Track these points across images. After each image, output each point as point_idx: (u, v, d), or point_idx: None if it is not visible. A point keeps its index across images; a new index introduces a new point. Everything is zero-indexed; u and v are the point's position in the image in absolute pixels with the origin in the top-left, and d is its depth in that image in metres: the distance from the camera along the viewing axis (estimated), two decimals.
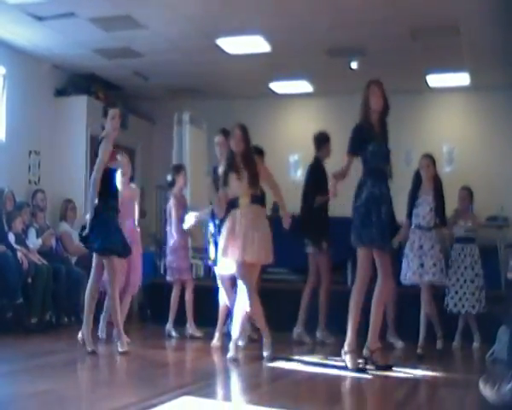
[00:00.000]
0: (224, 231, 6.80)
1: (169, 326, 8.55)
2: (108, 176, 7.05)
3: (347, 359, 6.33)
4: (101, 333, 7.95)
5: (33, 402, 4.75)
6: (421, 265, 7.60)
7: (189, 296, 8.58)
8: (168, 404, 4.75)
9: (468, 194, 8.42)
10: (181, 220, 8.41)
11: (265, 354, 6.79)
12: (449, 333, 8.19)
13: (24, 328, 8.19)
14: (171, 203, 8.58)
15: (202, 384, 5.79)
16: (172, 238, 8.57)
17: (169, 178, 8.75)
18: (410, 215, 7.75)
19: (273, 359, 6.69)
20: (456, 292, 8.08)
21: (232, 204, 6.85)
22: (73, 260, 9.84)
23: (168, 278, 8.65)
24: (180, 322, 8.58)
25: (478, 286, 8.06)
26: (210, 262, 7.90)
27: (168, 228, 8.69)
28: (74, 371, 6.14)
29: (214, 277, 7.72)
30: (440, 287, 7.97)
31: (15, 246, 8.63)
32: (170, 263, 8.60)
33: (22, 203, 9.43)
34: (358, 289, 6.38)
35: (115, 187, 7.21)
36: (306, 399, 5.42)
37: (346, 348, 6.36)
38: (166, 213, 8.80)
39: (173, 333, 8.48)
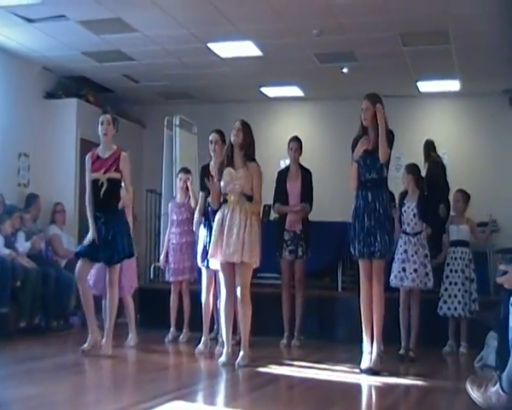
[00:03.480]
0: (214, 227, 6.77)
1: (173, 332, 8.54)
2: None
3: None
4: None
5: (21, 407, 4.73)
6: (403, 269, 7.67)
7: (186, 300, 8.58)
8: (158, 409, 4.73)
9: (461, 196, 8.44)
10: (189, 221, 8.46)
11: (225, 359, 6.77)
12: (437, 338, 8.22)
13: (8, 334, 8.11)
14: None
15: (192, 389, 5.78)
16: (175, 239, 8.58)
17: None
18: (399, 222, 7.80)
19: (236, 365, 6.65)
20: (450, 296, 8.13)
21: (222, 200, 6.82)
22: (63, 263, 9.81)
23: (171, 279, 8.61)
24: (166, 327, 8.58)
25: (467, 290, 8.09)
26: (200, 264, 7.84)
27: (174, 230, 8.66)
28: (63, 376, 6.10)
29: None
30: (432, 291, 8.00)
31: (3, 250, 8.61)
32: (172, 264, 8.59)
33: (13, 207, 9.40)
34: (361, 298, 6.57)
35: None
36: (297, 404, 5.42)
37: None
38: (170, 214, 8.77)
39: (181, 338, 8.49)
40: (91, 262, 7.18)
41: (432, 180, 9.14)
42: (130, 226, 7.56)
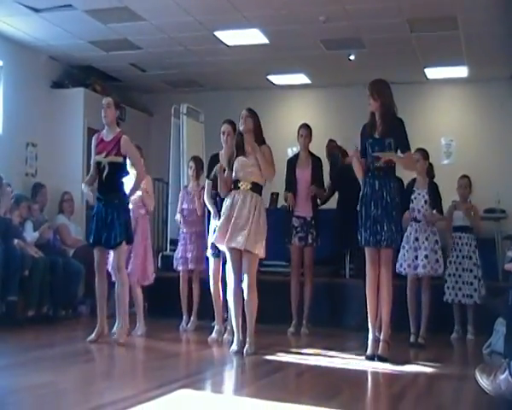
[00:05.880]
0: (223, 212, 6.75)
1: (186, 319, 8.57)
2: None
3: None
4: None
5: (30, 395, 4.73)
6: (416, 257, 7.67)
7: (196, 289, 8.59)
8: (166, 397, 4.73)
9: (467, 182, 8.42)
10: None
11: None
12: (445, 325, 8.22)
13: (17, 322, 8.14)
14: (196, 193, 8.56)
15: (200, 377, 5.79)
16: (185, 228, 8.60)
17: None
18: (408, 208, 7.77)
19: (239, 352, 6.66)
20: (457, 282, 8.11)
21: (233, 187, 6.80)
22: (71, 252, 9.82)
23: (179, 268, 8.61)
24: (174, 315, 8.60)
25: (476, 276, 8.08)
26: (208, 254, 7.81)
27: (184, 218, 8.65)
28: (72, 364, 6.11)
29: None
30: (439, 278, 7.99)
31: (34, 235, 8.89)
32: (181, 253, 8.59)
33: (21, 196, 9.41)
34: (366, 287, 6.54)
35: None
36: (305, 392, 5.41)
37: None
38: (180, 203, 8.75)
39: (189, 326, 8.51)
40: (105, 249, 7.21)
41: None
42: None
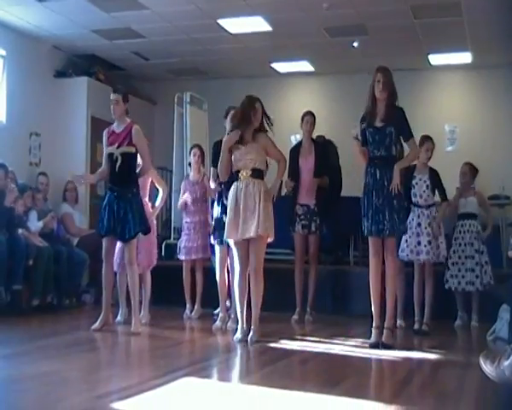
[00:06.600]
0: (229, 206, 6.74)
1: (190, 308, 8.59)
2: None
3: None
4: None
5: (35, 383, 4.74)
6: (419, 243, 7.66)
7: (199, 277, 8.60)
8: (170, 385, 4.75)
9: (469, 169, 8.38)
10: (203, 200, 8.56)
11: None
12: (449, 312, 8.22)
13: (21, 311, 8.18)
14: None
15: (205, 365, 5.80)
16: (189, 217, 8.59)
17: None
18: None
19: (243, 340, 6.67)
20: (460, 270, 8.10)
21: (234, 177, 6.78)
22: (75, 241, 9.84)
23: (183, 257, 8.61)
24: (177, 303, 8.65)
25: (478, 262, 8.07)
26: (213, 241, 7.79)
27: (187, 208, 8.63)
28: (76, 353, 6.13)
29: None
30: (442, 264, 7.99)
31: (38, 224, 8.94)
32: (185, 242, 8.60)
33: (25, 186, 9.41)
34: (370, 275, 6.54)
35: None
36: (309, 379, 5.42)
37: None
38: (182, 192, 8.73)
39: (193, 314, 8.52)
40: (115, 239, 7.22)
41: None
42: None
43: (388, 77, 6.49)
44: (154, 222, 8.12)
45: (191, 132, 11.29)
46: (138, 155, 7.26)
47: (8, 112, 10.09)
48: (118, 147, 7.10)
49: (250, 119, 6.69)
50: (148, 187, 8.01)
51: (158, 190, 8.13)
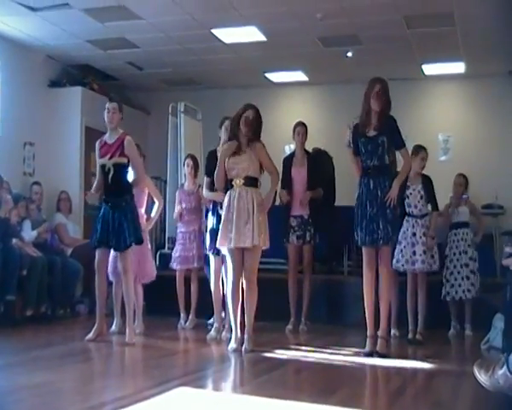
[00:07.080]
0: (223, 215, 6.72)
1: (184, 317, 8.56)
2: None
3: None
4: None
5: (29, 394, 4.72)
6: (414, 253, 7.67)
7: (194, 287, 8.58)
8: (164, 395, 4.74)
9: (462, 180, 8.44)
10: (197, 210, 8.53)
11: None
12: (443, 321, 8.23)
13: (15, 321, 8.14)
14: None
15: (199, 375, 5.78)
16: (183, 227, 8.58)
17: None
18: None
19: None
20: (456, 279, 8.12)
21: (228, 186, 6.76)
22: (68, 251, 9.81)
23: (178, 267, 8.58)
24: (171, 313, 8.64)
25: (472, 270, 8.10)
26: (208, 252, 7.78)
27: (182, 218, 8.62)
28: (70, 364, 6.11)
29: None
30: (437, 273, 8.00)
31: (32, 234, 8.91)
32: (179, 252, 8.57)
33: (19, 196, 9.39)
34: (364, 285, 6.53)
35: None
36: (304, 389, 5.42)
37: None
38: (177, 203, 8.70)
39: (187, 324, 8.49)
40: (108, 250, 7.22)
41: None
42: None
43: (386, 88, 6.50)
44: (148, 238, 8.12)
45: (185, 142, 11.29)
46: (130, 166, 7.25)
47: (2, 122, 10.08)
48: (110, 158, 7.09)
49: (238, 127, 6.69)
50: (146, 199, 8.00)
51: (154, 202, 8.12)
